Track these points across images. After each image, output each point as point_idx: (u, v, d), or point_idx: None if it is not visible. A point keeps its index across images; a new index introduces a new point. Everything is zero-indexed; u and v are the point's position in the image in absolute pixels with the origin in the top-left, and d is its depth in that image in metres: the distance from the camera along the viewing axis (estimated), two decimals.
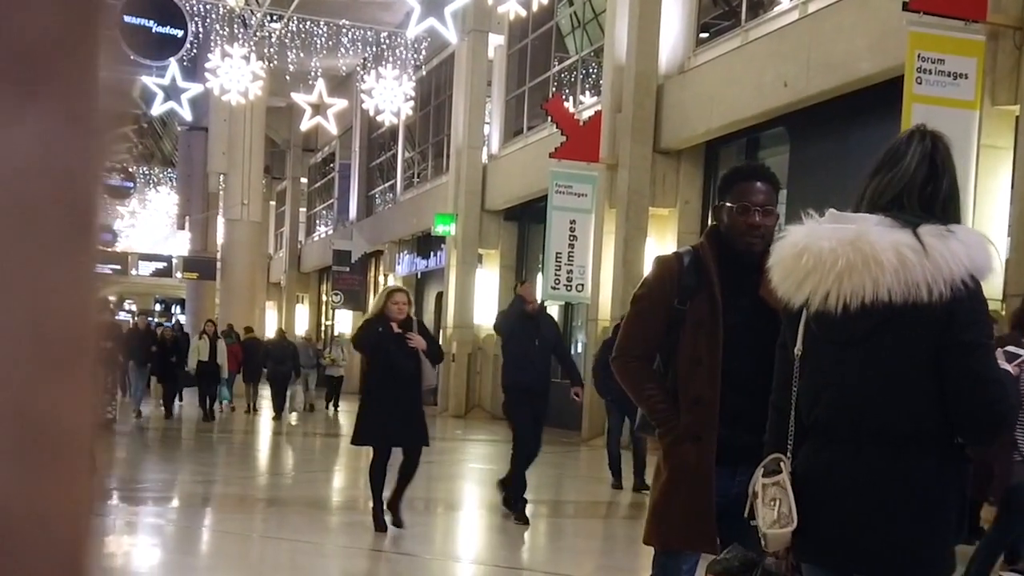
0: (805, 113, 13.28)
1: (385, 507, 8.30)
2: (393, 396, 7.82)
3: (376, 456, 8.16)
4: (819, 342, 2.60)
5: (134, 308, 51.47)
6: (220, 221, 34.48)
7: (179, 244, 43.95)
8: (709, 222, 3.67)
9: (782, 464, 2.61)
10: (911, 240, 2.44)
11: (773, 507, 2.58)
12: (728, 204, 3.46)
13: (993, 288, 9.40)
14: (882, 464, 2.49)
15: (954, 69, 9.93)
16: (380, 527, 8.26)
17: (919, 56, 9.93)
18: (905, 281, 2.41)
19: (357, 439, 8.13)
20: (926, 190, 2.55)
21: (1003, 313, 8.97)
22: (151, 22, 18.01)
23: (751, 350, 3.32)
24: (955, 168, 2.62)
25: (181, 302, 46.33)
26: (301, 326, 39.73)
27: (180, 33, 20.52)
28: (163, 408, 19.52)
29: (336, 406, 22.94)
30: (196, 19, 24.85)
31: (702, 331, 3.43)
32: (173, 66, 23.19)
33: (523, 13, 17.81)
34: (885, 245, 2.44)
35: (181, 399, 21.07)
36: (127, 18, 17.45)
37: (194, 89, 23.93)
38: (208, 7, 25.23)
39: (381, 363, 7.86)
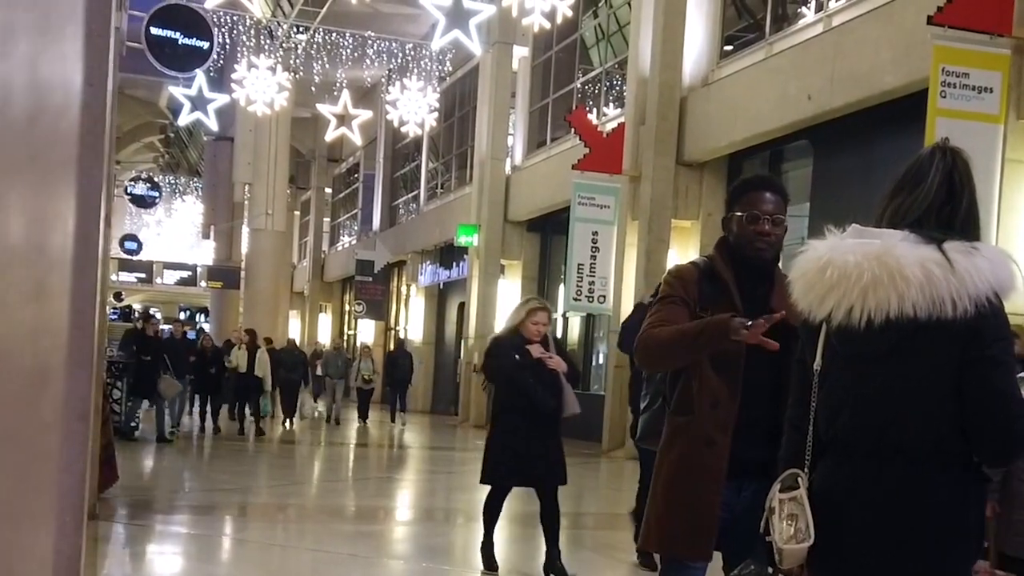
0: (829, 126, 13.24)
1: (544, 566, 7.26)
2: (528, 428, 6.78)
3: (494, 493, 7.17)
4: (840, 357, 2.58)
5: (158, 315, 51.78)
6: (245, 230, 34.69)
7: (204, 253, 44.27)
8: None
9: (799, 480, 2.60)
10: (937, 255, 2.43)
11: (790, 523, 2.57)
12: (738, 214, 3.48)
13: (1018, 304, 9.35)
14: (904, 481, 2.48)
15: (979, 83, 9.88)
16: (491, 565, 7.32)
17: (943, 70, 9.88)
18: (930, 296, 2.41)
19: (486, 477, 7.05)
20: (945, 209, 2.54)
21: None
22: (177, 34, 18.13)
23: (764, 361, 3.32)
24: (975, 185, 2.61)
25: (205, 311, 46.59)
26: (324, 335, 39.90)
27: (206, 45, 20.62)
28: (201, 421, 18.76)
29: (366, 419, 22.35)
30: (223, 30, 25.04)
31: None
32: (200, 77, 23.35)
33: (547, 25, 17.82)
34: (911, 260, 2.43)
35: (231, 414, 20.41)
36: (153, 30, 17.59)
37: (220, 100, 24.08)
38: (235, 19, 25.42)
39: (516, 393, 6.81)
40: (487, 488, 7.23)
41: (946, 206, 2.55)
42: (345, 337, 37.64)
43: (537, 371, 6.75)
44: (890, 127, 11.88)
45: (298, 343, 32.68)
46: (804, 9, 14.77)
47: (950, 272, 2.41)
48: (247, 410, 19.21)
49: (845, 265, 2.50)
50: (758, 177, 3.71)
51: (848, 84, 12.47)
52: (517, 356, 6.75)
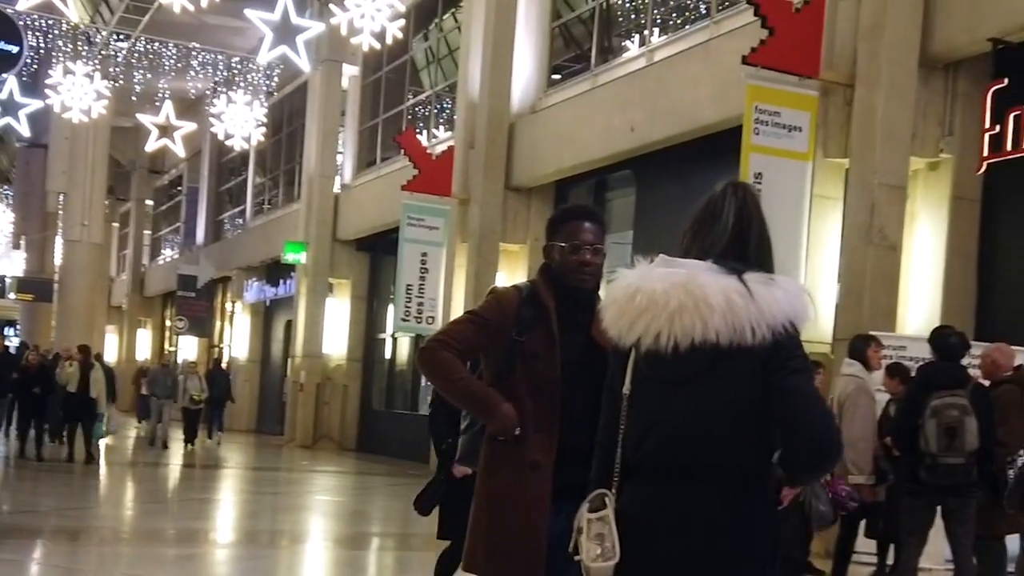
0: (651, 157, 13.70)
1: None
2: None
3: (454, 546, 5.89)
4: (648, 381, 2.70)
5: None
6: (59, 241, 33.40)
7: (13, 264, 42.26)
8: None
9: (607, 500, 2.71)
10: (738, 285, 2.58)
11: (597, 542, 2.67)
12: (560, 244, 3.59)
13: (822, 332, 9.93)
14: (705, 503, 2.61)
15: (789, 122, 10.41)
16: None
17: (756, 108, 10.36)
18: (732, 324, 2.55)
19: (444, 530, 6.01)
20: (738, 243, 2.72)
21: (831, 356, 9.46)
22: None
23: (583, 387, 3.39)
24: (764, 219, 2.78)
25: (13, 324, 44.48)
26: (144, 351, 38.67)
27: (15, 49, 19.80)
28: (21, 444, 16.90)
29: (192, 443, 20.89)
30: (37, 34, 24.10)
31: (540, 362, 3.52)
32: (11, 81, 22.42)
33: (377, 46, 17.88)
34: (715, 289, 2.58)
35: (54, 438, 18.55)
36: None
37: (33, 105, 23.19)
38: (50, 23, 24.50)
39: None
40: (314, 509, 7.06)
41: (738, 240, 2.72)
42: (165, 353, 36.68)
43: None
44: (708, 160, 12.37)
45: (115, 359, 31.39)
46: (628, 43, 15.30)
47: (750, 301, 2.55)
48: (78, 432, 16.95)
49: (653, 292, 2.62)
50: (577, 207, 3.83)
51: (669, 117, 12.95)
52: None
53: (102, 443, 18.52)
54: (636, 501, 2.70)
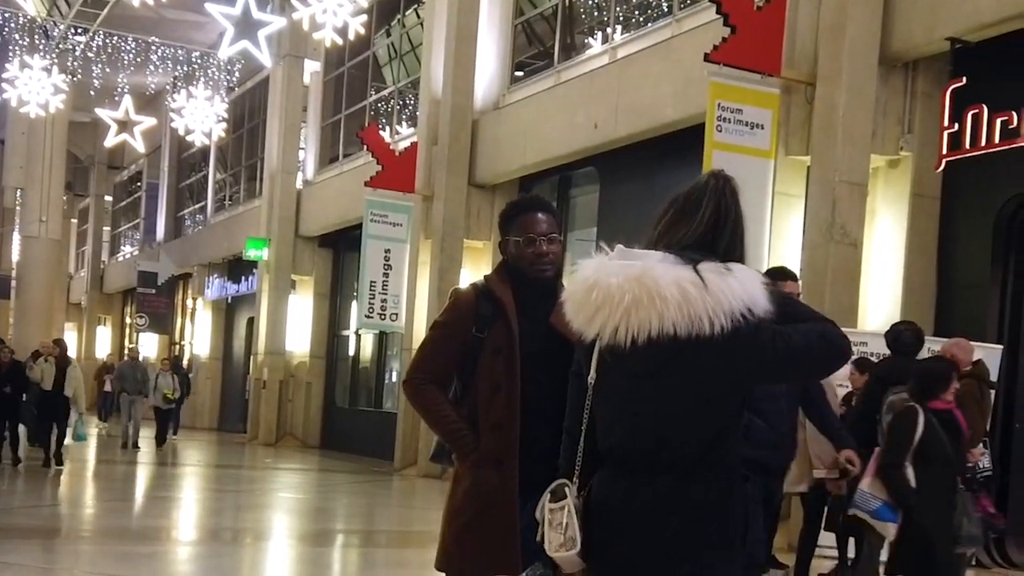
0: (614, 154, 13.76)
1: None
2: None
3: None
4: (613, 372, 2.72)
5: None
6: (16, 237, 33.08)
7: None
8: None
9: (567, 489, 2.74)
10: (692, 275, 2.57)
11: (560, 532, 2.71)
12: (515, 238, 3.60)
13: None
14: (675, 493, 2.64)
15: (751, 119, 10.50)
16: None
17: (719, 105, 10.45)
18: (688, 315, 2.54)
19: None
20: (708, 237, 2.71)
21: None
22: None
23: (548, 378, 3.42)
24: (741, 212, 2.76)
25: None
26: (103, 349, 38.32)
27: None
28: None
29: (162, 443, 20.24)
30: None
31: (500, 357, 3.54)
32: None
33: (339, 41, 17.82)
34: (668, 280, 2.56)
35: (33, 442, 17.36)
36: None
37: None
38: (7, 16, 24.23)
39: None
40: (278, 507, 7.14)
41: (710, 233, 2.71)
42: (133, 348, 36.39)
43: None
44: (671, 157, 12.46)
45: (74, 356, 30.98)
46: (591, 40, 15.35)
47: (704, 291, 2.54)
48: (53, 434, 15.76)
49: (609, 287, 2.61)
50: (526, 199, 3.82)
51: (632, 114, 13.01)
52: None
53: (75, 445, 18.01)
54: (606, 491, 2.72)
